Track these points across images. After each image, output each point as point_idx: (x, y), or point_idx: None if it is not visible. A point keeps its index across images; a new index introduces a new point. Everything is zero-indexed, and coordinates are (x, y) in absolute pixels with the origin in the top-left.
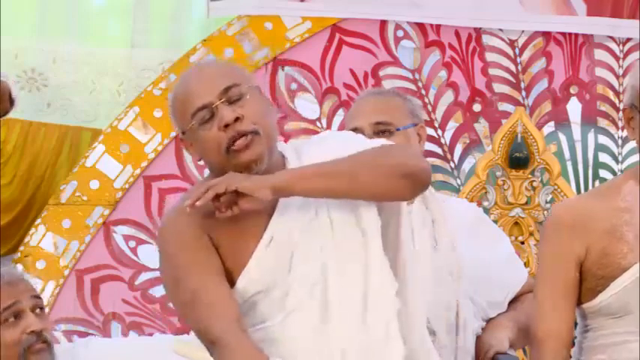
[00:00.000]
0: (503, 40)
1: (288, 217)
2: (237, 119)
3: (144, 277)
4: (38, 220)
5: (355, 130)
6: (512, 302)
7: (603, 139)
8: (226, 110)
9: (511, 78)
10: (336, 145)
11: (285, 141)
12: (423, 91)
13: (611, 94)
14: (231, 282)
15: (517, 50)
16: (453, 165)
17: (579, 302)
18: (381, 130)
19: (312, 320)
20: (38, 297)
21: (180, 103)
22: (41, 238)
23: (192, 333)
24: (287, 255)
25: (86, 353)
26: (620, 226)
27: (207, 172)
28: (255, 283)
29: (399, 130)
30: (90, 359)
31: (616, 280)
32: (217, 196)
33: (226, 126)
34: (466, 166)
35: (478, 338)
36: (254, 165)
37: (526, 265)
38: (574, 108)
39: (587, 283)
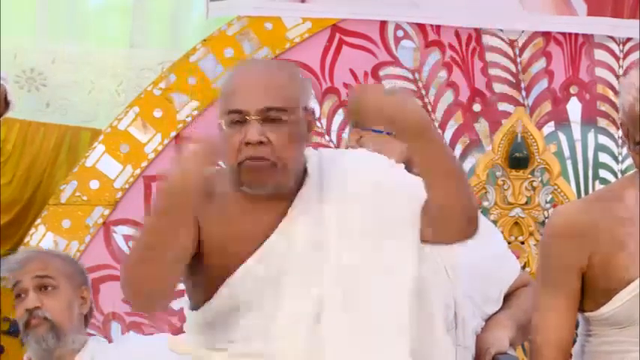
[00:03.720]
0: (503, 40)
1: (290, 240)
2: (261, 142)
3: None
4: (38, 220)
5: None
6: (508, 297)
7: (603, 139)
8: (255, 129)
9: (511, 78)
10: (358, 168)
11: None
12: (423, 91)
13: (611, 94)
14: (212, 276)
15: (517, 50)
16: None
17: (581, 309)
18: (381, 129)
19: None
20: (44, 276)
21: (226, 93)
22: (41, 238)
23: (189, 332)
24: (275, 277)
25: (125, 349)
26: (622, 237)
27: None
28: (240, 294)
29: None
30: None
31: (620, 292)
32: None
33: (248, 143)
34: (466, 166)
35: (478, 337)
36: (257, 187)
37: (526, 265)
38: (574, 108)
39: (591, 293)
